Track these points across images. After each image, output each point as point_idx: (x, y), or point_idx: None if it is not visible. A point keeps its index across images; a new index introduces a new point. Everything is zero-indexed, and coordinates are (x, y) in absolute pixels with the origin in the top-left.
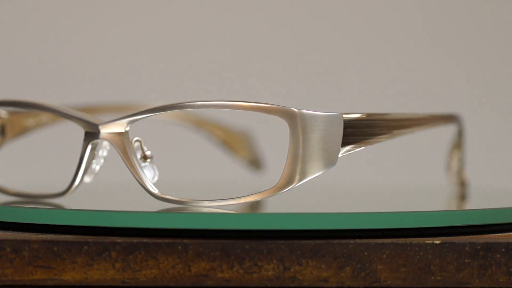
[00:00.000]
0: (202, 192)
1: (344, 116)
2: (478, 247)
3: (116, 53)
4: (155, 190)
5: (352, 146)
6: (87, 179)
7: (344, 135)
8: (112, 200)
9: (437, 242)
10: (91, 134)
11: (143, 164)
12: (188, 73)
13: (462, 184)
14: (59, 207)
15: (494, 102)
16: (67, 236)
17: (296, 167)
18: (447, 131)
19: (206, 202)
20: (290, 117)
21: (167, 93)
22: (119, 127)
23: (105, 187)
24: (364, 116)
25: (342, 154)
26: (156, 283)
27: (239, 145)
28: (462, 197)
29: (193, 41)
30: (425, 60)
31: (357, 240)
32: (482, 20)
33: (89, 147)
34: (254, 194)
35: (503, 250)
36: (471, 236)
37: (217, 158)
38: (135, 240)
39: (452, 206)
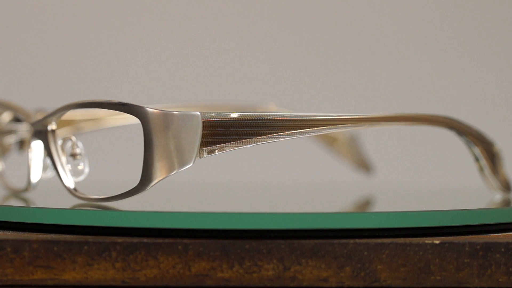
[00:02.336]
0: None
1: (205, 115)
2: (478, 247)
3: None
4: (71, 186)
5: (221, 145)
6: (80, 177)
7: (209, 135)
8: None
9: (437, 242)
10: (33, 132)
11: (74, 162)
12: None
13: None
14: (59, 207)
15: (494, 102)
16: (67, 236)
17: (150, 166)
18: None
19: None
20: (141, 115)
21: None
22: (45, 125)
23: (105, 187)
24: (232, 116)
25: (210, 154)
26: (156, 283)
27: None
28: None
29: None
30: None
31: (357, 240)
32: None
33: (32, 143)
34: (118, 194)
35: (502, 250)
36: (470, 236)
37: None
38: (135, 240)
39: (452, 206)
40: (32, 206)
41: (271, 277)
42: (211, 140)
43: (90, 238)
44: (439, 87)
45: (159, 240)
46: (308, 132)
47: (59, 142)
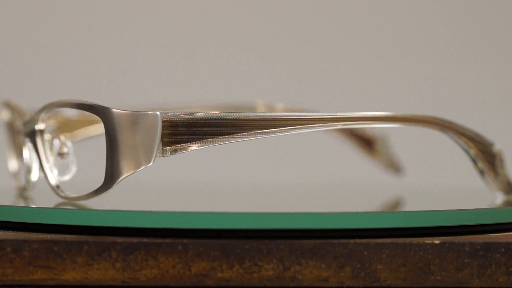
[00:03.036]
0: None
1: (164, 115)
2: (478, 247)
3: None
4: (53, 184)
5: (184, 145)
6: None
7: (171, 134)
8: (112, 200)
9: (437, 242)
10: (24, 132)
11: (62, 161)
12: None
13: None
14: (60, 207)
15: (493, 101)
16: (68, 236)
17: (113, 165)
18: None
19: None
20: (104, 114)
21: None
22: (33, 124)
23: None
24: (193, 116)
25: (174, 153)
26: (156, 283)
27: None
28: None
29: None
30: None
31: (357, 240)
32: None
33: (27, 143)
34: (87, 193)
35: (502, 250)
36: (470, 236)
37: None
38: (135, 240)
39: (452, 206)
40: (32, 206)
41: (271, 277)
42: (173, 139)
43: (90, 238)
44: (436, 87)
45: (159, 240)
46: (273, 132)
47: (47, 141)
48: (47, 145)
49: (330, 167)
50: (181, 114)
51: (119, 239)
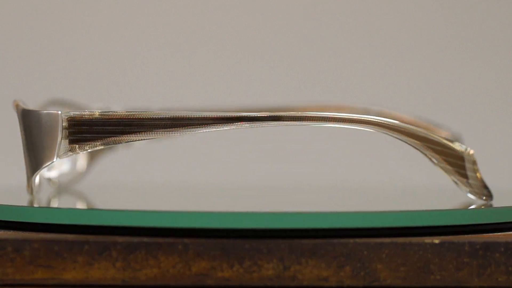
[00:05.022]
0: None
1: (66, 114)
2: (478, 247)
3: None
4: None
5: (88, 143)
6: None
7: (75, 132)
8: (112, 200)
9: (437, 241)
10: None
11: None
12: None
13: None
14: (60, 207)
15: (493, 101)
16: (68, 235)
17: (26, 163)
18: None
19: None
20: (17, 112)
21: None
22: None
23: (105, 186)
24: (94, 115)
25: (81, 150)
26: (157, 282)
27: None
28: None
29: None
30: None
31: (357, 240)
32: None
33: None
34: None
35: (502, 249)
36: (470, 236)
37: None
38: (135, 239)
39: (452, 205)
40: (32, 205)
41: (271, 276)
42: (79, 137)
43: (90, 238)
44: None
45: (160, 240)
46: (177, 131)
47: None
48: None
49: (330, 167)
50: (83, 114)
51: (120, 239)
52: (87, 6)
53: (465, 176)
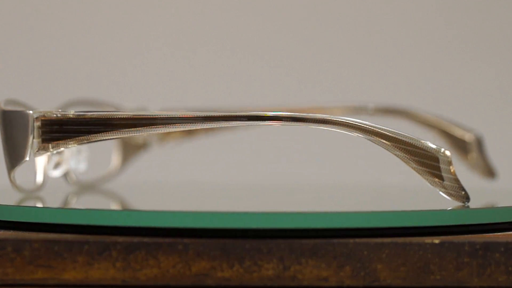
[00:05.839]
0: None
1: (37, 114)
2: (477, 247)
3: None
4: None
5: (61, 142)
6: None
7: (47, 132)
8: (112, 200)
9: (437, 241)
10: None
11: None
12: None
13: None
14: (60, 206)
15: (492, 101)
16: (68, 235)
17: (6, 162)
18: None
19: None
20: None
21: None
22: None
23: (105, 186)
24: (65, 115)
25: (54, 149)
26: (157, 282)
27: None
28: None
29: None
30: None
31: (357, 240)
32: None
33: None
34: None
35: (502, 249)
36: (470, 236)
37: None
38: (135, 239)
39: (452, 205)
40: (32, 205)
41: (271, 276)
42: (51, 136)
43: (90, 238)
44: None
45: (160, 240)
46: (141, 130)
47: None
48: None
49: (331, 167)
50: (53, 113)
51: (120, 239)
52: (87, 6)
53: (440, 177)
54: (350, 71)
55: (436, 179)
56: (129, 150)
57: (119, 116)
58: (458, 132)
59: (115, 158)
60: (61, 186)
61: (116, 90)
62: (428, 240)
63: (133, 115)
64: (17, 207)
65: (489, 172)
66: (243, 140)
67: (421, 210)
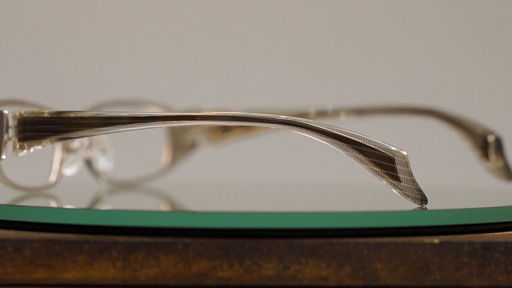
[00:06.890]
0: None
1: (13, 113)
2: (477, 246)
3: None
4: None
5: (35, 141)
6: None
7: (22, 131)
8: (113, 199)
9: (436, 241)
10: None
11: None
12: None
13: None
14: (60, 206)
15: (492, 101)
16: (68, 235)
17: None
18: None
19: None
20: None
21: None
22: None
23: (105, 186)
24: (38, 115)
25: (30, 148)
26: (157, 282)
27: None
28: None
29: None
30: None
31: (357, 239)
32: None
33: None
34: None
35: (501, 249)
36: (470, 235)
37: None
38: (135, 239)
39: (451, 205)
40: (33, 205)
41: (271, 276)
42: (27, 135)
43: (90, 238)
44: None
45: (160, 240)
46: (110, 129)
47: None
48: None
49: (330, 167)
50: (28, 113)
51: (120, 239)
52: (87, 6)
53: (396, 178)
54: (349, 71)
55: (393, 180)
56: (179, 151)
57: (87, 116)
58: (480, 132)
59: (164, 157)
60: (92, 185)
61: (114, 91)
62: (427, 240)
63: (100, 115)
64: (18, 207)
65: (509, 174)
66: (243, 139)
67: (421, 210)
